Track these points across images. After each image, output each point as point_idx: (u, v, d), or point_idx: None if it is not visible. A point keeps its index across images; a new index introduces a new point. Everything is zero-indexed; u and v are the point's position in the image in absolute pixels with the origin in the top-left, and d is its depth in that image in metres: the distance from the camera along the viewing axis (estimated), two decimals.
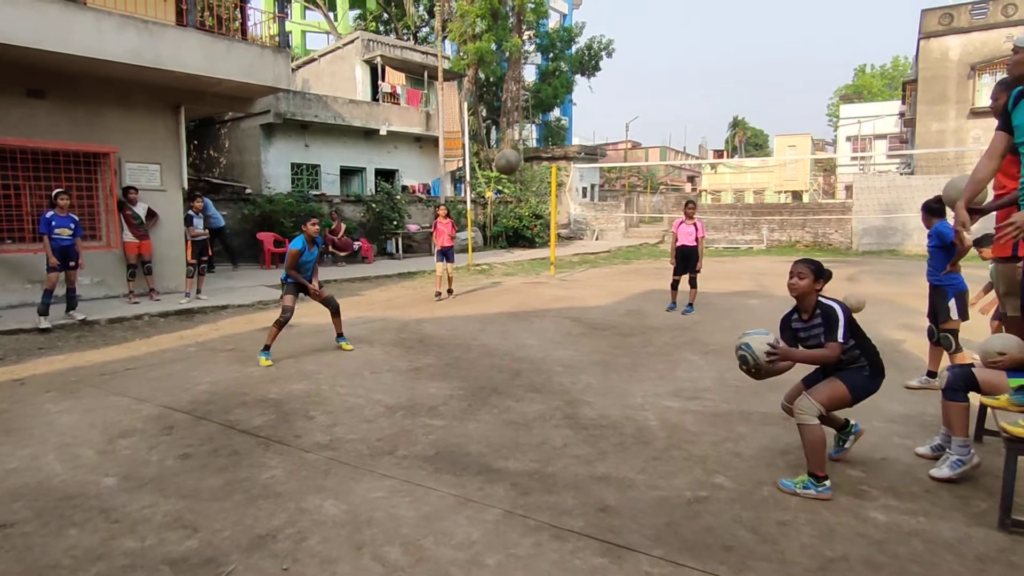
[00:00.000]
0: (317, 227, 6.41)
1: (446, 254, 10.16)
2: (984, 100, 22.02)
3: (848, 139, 48.62)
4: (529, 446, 3.96)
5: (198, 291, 9.52)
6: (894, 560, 2.67)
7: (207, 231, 9.81)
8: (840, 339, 3.29)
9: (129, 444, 4.01)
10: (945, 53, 22.86)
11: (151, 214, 9.60)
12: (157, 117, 9.97)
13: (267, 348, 6.18)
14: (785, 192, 48.62)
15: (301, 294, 6.50)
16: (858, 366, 3.42)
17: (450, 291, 10.45)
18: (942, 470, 3.43)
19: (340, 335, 6.79)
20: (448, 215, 10.38)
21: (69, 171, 9.02)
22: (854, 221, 20.97)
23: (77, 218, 7.92)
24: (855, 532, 2.90)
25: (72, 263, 7.77)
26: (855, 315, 3.48)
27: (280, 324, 6.21)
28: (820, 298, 3.46)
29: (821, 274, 3.45)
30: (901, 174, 26.71)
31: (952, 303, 4.92)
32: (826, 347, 3.33)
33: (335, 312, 6.71)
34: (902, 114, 33.57)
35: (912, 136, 26.40)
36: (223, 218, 13.96)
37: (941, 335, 5.03)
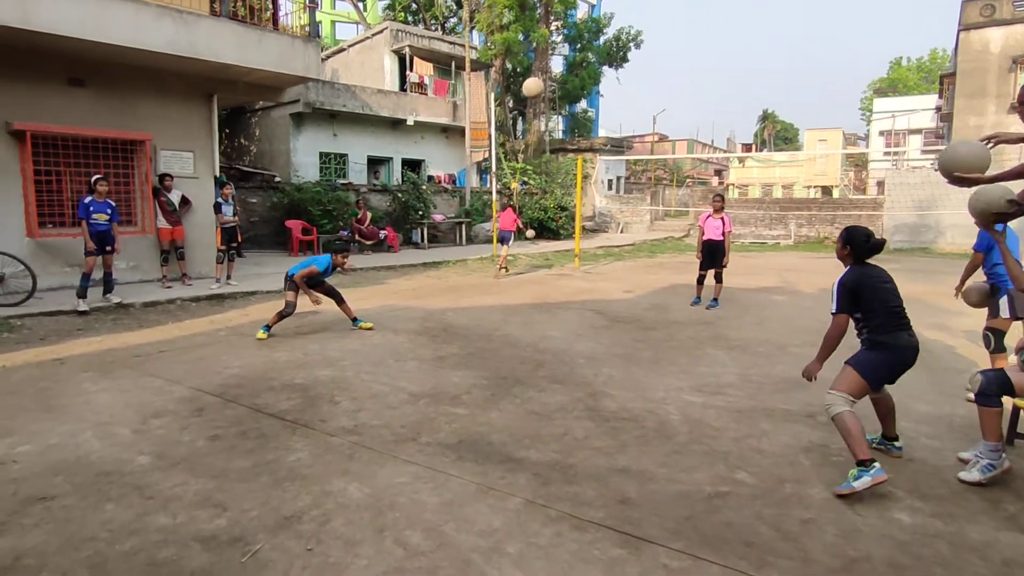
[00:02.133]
0: (347, 261, 6.99)
1: (506, 239, 12.25)
2: None
3: (881, 134, 47.42)
4: (551, 437, 3.99)
5: (228, 277, 9.71)
6: (918, 562, 2.65)
7: (236, 218, 9.99)
8: (832, 310, 3.49)
9: (162, 424, 4.13)
10: (986, 46, 22.15)
11: (184, 201, 9.80)
12: (191, 106, 10.16)
13: (268, 326, 6.65)
14: (815, 187, 47.68)
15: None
16: (864, 343, 3.52)
17: (505, 269, 12.34)
18: (972, 474, 3.37)
19: (355, 320, 7.07)
20: (511, 206, 13.89)
21: (107, 158, 9.24)
22: (885, 218, 20.52)
23: (114, 204, 8.12)
24: (879, 533, 2.88)
25: (109, 248, 7.97)
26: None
27: (282, 316, 6.66)
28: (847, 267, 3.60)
29: (849, 240, 3.59)
30: (936, 170, 26.00)
31: (1004, 300, 4.55)
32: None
33: (338, 301, 7.02)
34: (938, 108, 32.65)
35: (948, 131, 25.66)
36: (249, 206, 14.18)
37: (984, 332, 4.80)
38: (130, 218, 9.64)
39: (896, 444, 3.77)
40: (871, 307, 3.50)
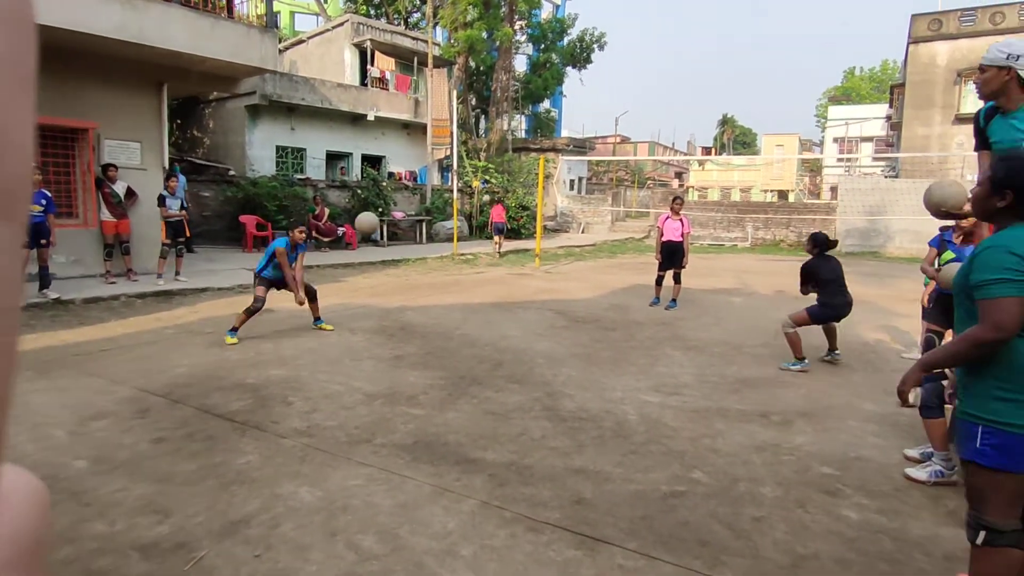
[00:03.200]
0: (304, 236, 6.65)
1: (500, 229, 16.04)
2: (969, 107, 22.30)
3: (835, 140, 49.02)
4: (508, 437, 3.96)
5: (177, 273, 9.39)
6: (864, 558, 2.71)
7: (183, 211, 9.66)
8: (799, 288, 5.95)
9: (102, 426, 3.94)
10: (933, 58, 23.10)
11: (130, 193, 9.42)
12: (139, 94, 9.78)
13: (234, 329, 6.26)
14: (771, 191, 48.94)
15: (274, 288, 6.57)
16: (818, 303, 5.84)
17: (499, 250, 15.88)
18: (919, 472, 3.48)
19: (317, 319, 6.89)
20: (501, 202, 18.29)
21: (45, 146, 8.82)
22: (838, 222, 21.18)
23: (49, 194, 7.74)
24: (827, 530, 2.93)
25: (43, 241, 7.60)
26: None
27: (250, 312, 6.32)
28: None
29: (816, 241, 6.10)
30: (886, 177, 27.01)
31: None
32: None
33: (312, 298, 6.81)
34: (889, 117, 33.89)
35: (898, 139, 26.66)
36: (202, 200, 13.77)
37: (927, 335, 4.95)
38: (71, 210, 9.23)
39: (836, 353, 6.04)
40: (823, 283, 5.85)
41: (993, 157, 2.31)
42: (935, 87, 22.84)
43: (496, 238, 16.00)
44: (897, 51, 61.71)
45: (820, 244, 6.03)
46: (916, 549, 2.78)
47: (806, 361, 5.69)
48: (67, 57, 8.71)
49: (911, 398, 3.29)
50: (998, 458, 1.95)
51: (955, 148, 22.21)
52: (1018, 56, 2.87)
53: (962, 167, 21.61)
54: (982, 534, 2.00)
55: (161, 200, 9.28)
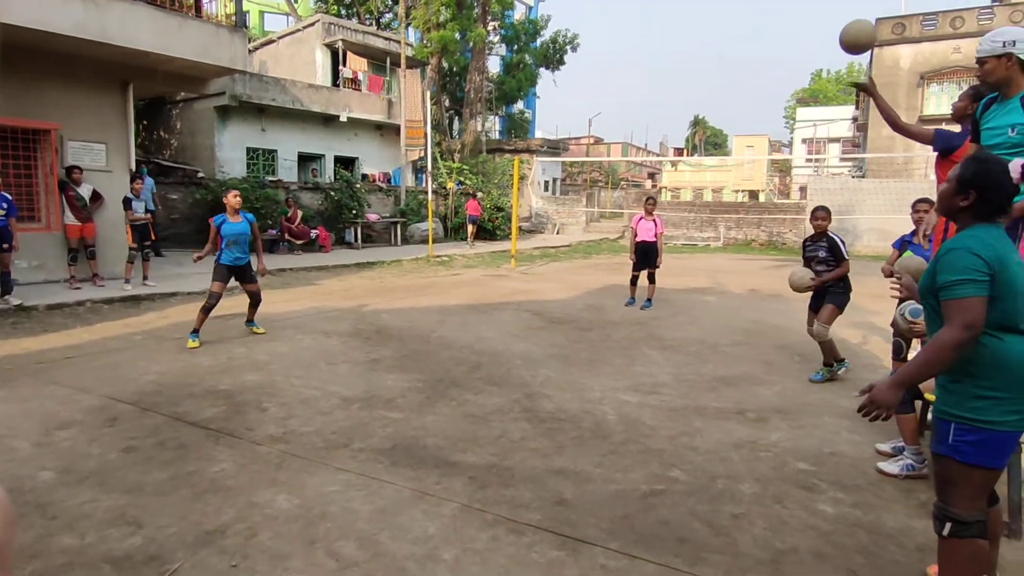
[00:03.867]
0: (238, 199, 6.40)
1: (474, 220, 19.06)
2: (931, 108, 22.94)
3: (803, 141, 50.00)
4: (487, 439, 3.94)
5: (145, 277, 9.17)
6: (840, 551, 2.75)
7: (149, 215, 9.43)
8: (845, 256, 5.32)
9: (68, 436, 3.82)
10: (897, 61, 23.69)
11: (96, 196, 9.17)
12: (103, 94, 9.52)
13: (195, 332, 6.18)
14: (742, 191, 49.72)
15: (235, 281, 6.43)
16: (840, 292, 5.36)
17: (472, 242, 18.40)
18: (891, 466, 3.56)
19: (250, 320, 6.79)
20: (475, 197, 19.92)
21: (5, 148, 8.54)
22: (807, 221, 21.57)
23: (10, 197, 7.51)
24: (805, 524, 2.98)
25: (5, 245, 7.37)
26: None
27: (206, 309, 6.23)
28: (828, 233, 5.44)
29: (830, 214, 5.51)
30: (853, 177, 27.61)
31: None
32: (841, 266, 5.33)
33: (254, 304, 6.72)
34: (855, 119, 34.68)
35: (864, 140, 27.28)
36: (170, 202, 13.50)
37: (895, 340, 5.00)
38: (33, 214, 8.95)
39: (841, 364, 5.56)
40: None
41: (966, 157, 2.35)
42: (899, 89, 23.42)
43: (471, 227, 18.96)
44: (863, 55, 62.89)
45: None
46: (890, 541, 2.84)
47: (846, 361, 5.58)
48: (27, 56, 8.45)
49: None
50: (975, 455, 2.00)
51: (919, 149, 22.77)
52: (1014, 41, 2.93)
53: (925, 167, 22.20)
54: (948, 525, 2.06)
55: (127, 203, 9.04)
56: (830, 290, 5.37)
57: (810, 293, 5.55)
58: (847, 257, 5.32)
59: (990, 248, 1.99)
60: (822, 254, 5.44)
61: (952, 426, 2.03)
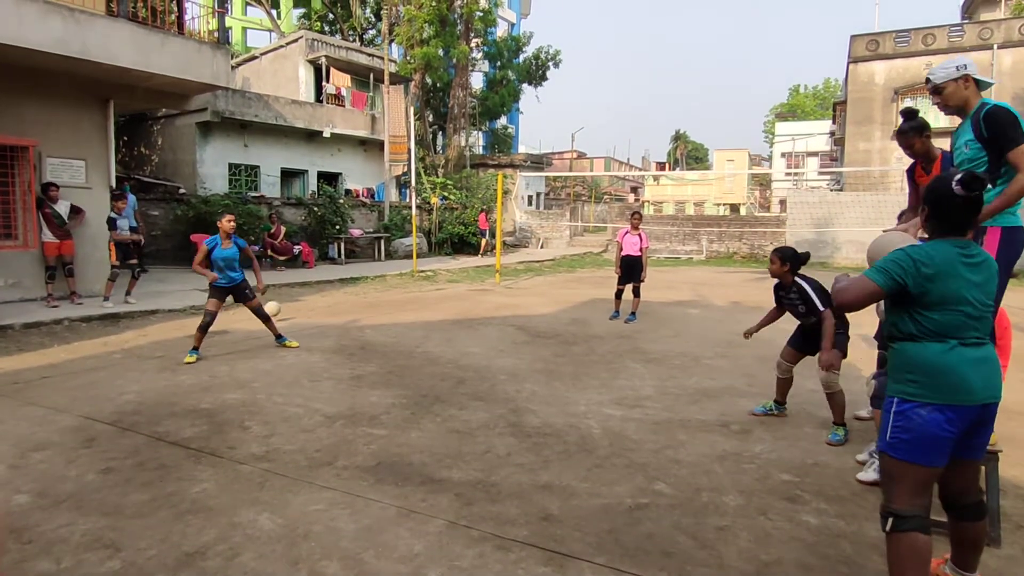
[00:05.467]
0: (232, 223, 6.39)
1: (484, 234, 20.80)
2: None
3: (783, 155, 50.83)
4: (473, 455, 3.92)
5: (128, 294, 9.05)
6: (825, 562, 2.77)
7: (134, 234, 9.34)
8: (820, 307, 4.33)
9: (44, 458, 3.74)
10: (871, 77, 24.21)
11: (76, 211, 9.05)
12: (83, 110, 9.44)
13: (195, 348, 6.19)
14: (724, 205, 50.32)
15: (231, 299, 6.39)
16: (841, 334, 4.39)
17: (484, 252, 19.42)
18: (868, 474, 3.59)
19: (279, 336, 6.74)
20: (485, 212, 21.41)
21: None
22: (788, 234, 21.88)
23: None
24: (789, 536, 2.99)
25: None
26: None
27: (203, 328, 6.20)
28: (796, 277, 4.55)
29: (785, 259, 4.55)
30: (831, 190, 28.07)
31: None
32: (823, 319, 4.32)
33: (264, 319, 6.71)
34: (832, 133, 35.35)
35: (841, 154, 27.79)
36: (151, 219, 13.39)
37: (880, 353, 5.02)
38: (9, 231, 8.81)
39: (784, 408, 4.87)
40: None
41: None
42: (874, 104, 23.93)
43: (484, 240, 20.72)
44: (838, 70, 64.48)
45: (790, 259, 4.55)
46: (873, 551, 2.86)
47: (847, 428, 4.34)
48: (4, 72, 8.38)
49: (866, 389, 3.41)
50: (907, 452, 2.18)
51: (894, 162, 23.24)
52: (964, 64, 3.09)
53: (901, 180, 22.64)
54: (889, 520, 2.19)
55: (111, 223, 8.94)
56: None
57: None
58: (822, 307, 4.32)
59: (930, 259, 2.18)
60: (800, 308, 4.52)
61: (891, 416, 2.23)
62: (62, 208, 8.85)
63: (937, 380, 2.15)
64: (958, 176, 2.20)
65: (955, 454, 2.22)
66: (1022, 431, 4.45)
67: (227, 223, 6.33)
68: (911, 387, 2.19)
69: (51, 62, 8.26)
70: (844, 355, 4.37)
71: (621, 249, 9.10)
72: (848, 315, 4.82)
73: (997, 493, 2.92)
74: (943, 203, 2.24)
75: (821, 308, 4.33)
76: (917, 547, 2.15)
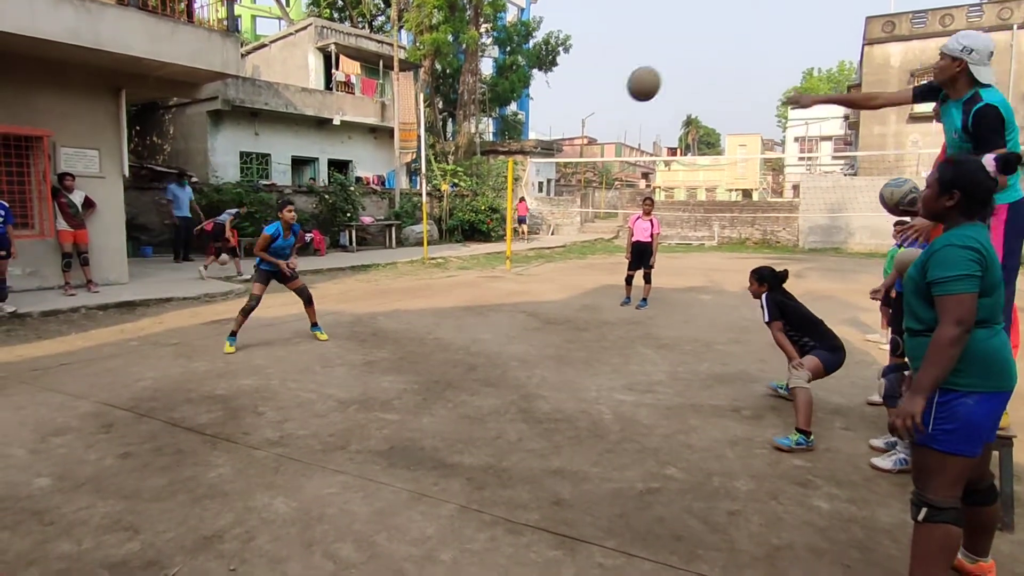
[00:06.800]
0: (294, 214, 6.43)
1: (523, 220, 21.74)
2: (921, 105, 23.03)
3: (796, 140, 50.21)
4: (484, 440, 3.95)
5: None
6: (836, 546, 2.78)
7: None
8: (765, 319, 4.39)
9: (64, 443, 3.82)
10: (887, 59, 23.81)
11: (88, 203, 9.15)
12: (96, 100, 9.50)
13: (233, 334, 6.18)
14: (736, 190, 49.84)
15: (274, 281, 6.43)
16: (816, 348, 4.29)
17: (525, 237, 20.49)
18: (884, 462, 3.58)
19: (314, 324, 6.77)
20: (523, 199, 22.30)
21: None
22: (800, 219, 21.67)
23: (7, 204, 7.49)
24: (800, 520, 3.00)
25: (3, 252, 7.36)
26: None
27: (245, 312, 6.23)
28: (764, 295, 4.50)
29: (763, 279, 4.56)
30: (845, 175, 27.74)
31: None
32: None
33: (308, 302, 6.69)
34: (846, 117, 34.86)
35: (856, 138, 27.41)
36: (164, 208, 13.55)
37: (893, 337, 4.95)
38: (27, 220, 8.91)
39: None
40: (806, 325, 4.45)
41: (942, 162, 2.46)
42: (889, 87, 23.51)
43: (521, 227, 21.66)
44: (853, 52, 63.46)
45: (767, 280, 4.52)
46: (885, 536, 2.86)
47: (813, 439, 3.91)
48: (19, 63, 8.43)
49: (878, 384, 3.39)
50: (949, 443, 2.11)
51: (910, 146, 22.92)
52: (971, 50, 3.02)
53: (916, 164, 22.33)
54: (924, 511, 2.16)
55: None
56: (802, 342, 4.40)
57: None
58: (767, 320, 4.35)
59: (983, 244, 2.10)
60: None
61: (933, 407, 2.13)
62: (77, 198, 8.95)
63: (986, 368, 2.10)
64: (995, 156, 2.17)
65: (985, 440, 2.20)
66: None
67: (288, 214, 6.30)
68: (955, 376, 2.10)
69: (64, 52, 8.30)
70: (826, 370, 4.23)
71: (632, 235, 9.07)
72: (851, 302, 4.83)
73: (1011, 479, 2.90)
74: (981, 187, 2.18)
75: (766, 320, 4.38)
76: (950, 539, 2.14)
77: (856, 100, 4.03)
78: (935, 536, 2.14)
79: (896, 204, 4.17)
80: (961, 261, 2.07)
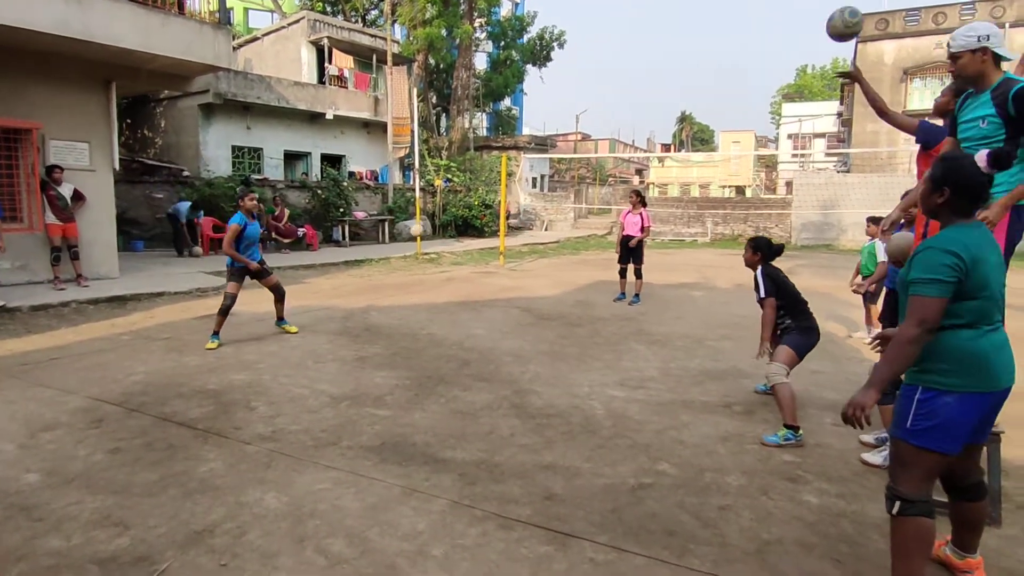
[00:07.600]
0: (255, 201, 6.36)
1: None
2: (915, 103, 23.16)
3: (789, 137, 50.29)
4: (476, 436, 3.95)
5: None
6: (825, 540, 2.80)
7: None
8: (760, 295, 4.32)
9: (53, 438, 3.79)
10: (880, 57, 23.90)
11: (78, 196, 9.07)
12: (86, 93, 9.41)
13: (215, 333, 6.15)
14: (729, 187, 49.97)
15: (248, 278, 6.39)
16: (792, 329, 4.29)
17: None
18: (875, 457, 3.60)
19: (281, 319, 6.75)
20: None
21: None
22: (793, 216, 21.75)
23: None
24: (790, 515, 3.01)
25: None
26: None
27: (223, 312, 6.18)
28: (760, 266, 4.45)
29: (758, 248, 4.51)
30: (838, 172, 27.84)
31: None
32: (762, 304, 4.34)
33: (280, 298, 6.68)
34: (840, 114, 34.95)
35: (849, 135, 27.52)
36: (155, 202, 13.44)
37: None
38: (15, 214, 8.83)
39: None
40: (792, 301, 4.38)
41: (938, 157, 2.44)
42: (883, 84, 23.62)
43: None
44: (847, 50, 63.46)
45: (763, 249, 4.50)
46: (874, 531, 2.88)
47: (801, 433, 3.89)
48: (6, 54, 8.34)
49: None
50: (927, 439, 2.15)
51: (903, 143, 23.00)
52: (987, 36, 2.99)
53: (908, 161, 22.43)
54: (897, 504, 2.20)
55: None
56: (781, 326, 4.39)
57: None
58: (763, 295, 4.30)
59: (967, 249, 2.10)
60: (757, 296, 4.44)
61: (913, 404, 2.18)
62: (66, 191, 8.86)
63: (968, 368, 2.12)
64: (988, 152, 2.17)
65: (964, 440, 2.22)
66: None
67: (249, 202, 6.27)
68: (937, 376, 2.14)
69: (53, 44, 8.20)
70: (799, 355, 4.17)
71: (623, 229, 9.10)
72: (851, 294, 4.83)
73: (999, 474, 2.93)
74: (973, 183, 2.18)
75: (762, 295, 4.31)
76: (922, 531, 2.18)
77: (878, 102, 4.06)
78: (907, 529, 2.19)
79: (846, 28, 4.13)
80: (935, 265, 2.10)
